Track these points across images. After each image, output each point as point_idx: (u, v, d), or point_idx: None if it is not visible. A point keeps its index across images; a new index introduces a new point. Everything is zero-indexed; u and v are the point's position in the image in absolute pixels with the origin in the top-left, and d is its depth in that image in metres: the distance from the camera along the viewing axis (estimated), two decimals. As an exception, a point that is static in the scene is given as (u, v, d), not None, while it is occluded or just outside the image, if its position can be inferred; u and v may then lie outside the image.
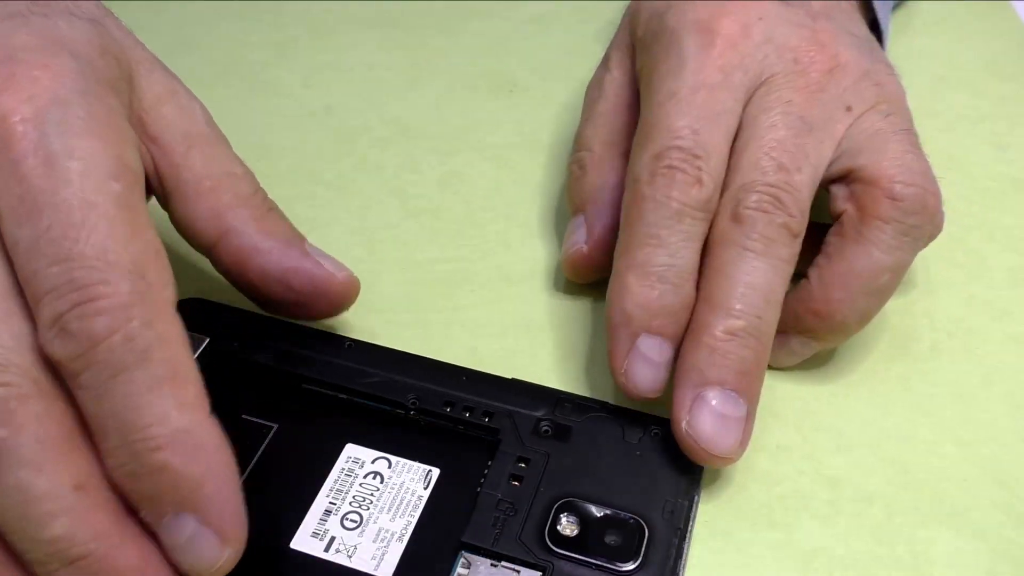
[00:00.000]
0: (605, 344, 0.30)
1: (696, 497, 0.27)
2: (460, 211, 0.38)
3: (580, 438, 0.28)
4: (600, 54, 0.48)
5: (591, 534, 0.26)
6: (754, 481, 0.29)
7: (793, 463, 0.29)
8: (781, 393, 0.31)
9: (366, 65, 0.45)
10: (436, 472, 0.28)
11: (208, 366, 0.28)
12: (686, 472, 0.27)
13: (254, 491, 0.26)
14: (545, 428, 0.29)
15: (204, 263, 0.30)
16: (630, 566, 0.25)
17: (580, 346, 0.33)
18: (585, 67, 0.45)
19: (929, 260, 0.36)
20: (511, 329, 0.33)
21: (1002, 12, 0.50)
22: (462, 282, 0.35)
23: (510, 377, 0.30)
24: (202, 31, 0.48)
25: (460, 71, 0.45)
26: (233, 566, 0.23)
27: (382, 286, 0.35)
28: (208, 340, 0.30)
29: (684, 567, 0.26)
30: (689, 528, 0.27)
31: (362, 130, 0.41)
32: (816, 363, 0.32)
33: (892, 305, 0.34)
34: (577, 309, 0.34)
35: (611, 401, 0.30)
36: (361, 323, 0.33)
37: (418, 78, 0.45)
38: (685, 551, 0.26)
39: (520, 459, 0.28)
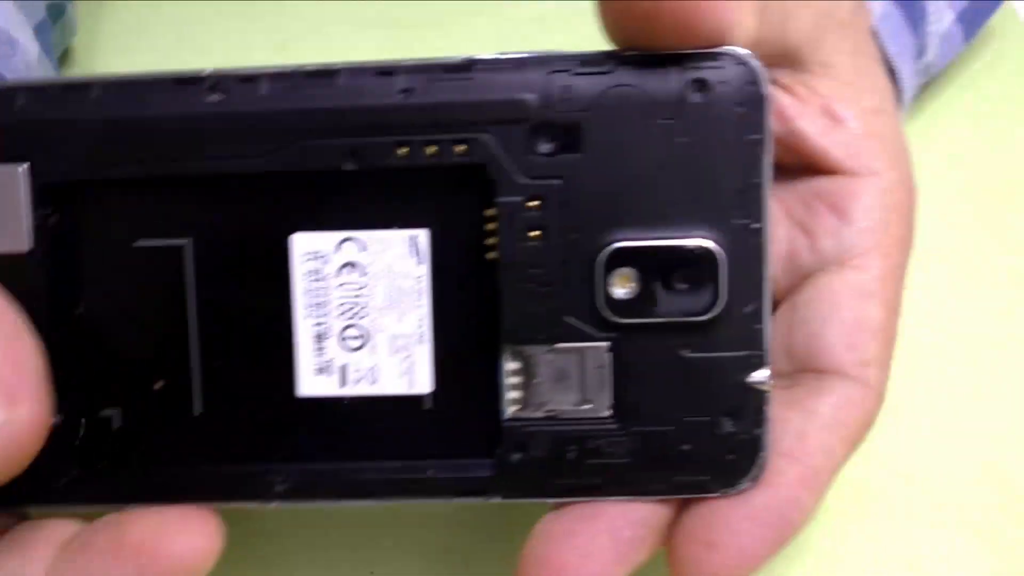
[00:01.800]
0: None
1: (767, 164, 0.21)
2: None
3: (596, 138, 0.21)
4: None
5: (654, 286, 0.21)
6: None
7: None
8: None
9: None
10: (424, 234, 0.22)
11: (51, 205, 0.21)
12: (745, 130, 0.21)
13: (214, 337, 0.21)
14: (545, 141, 0.21)
15: None
16: (714, 310, 0.21)
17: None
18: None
19: (929, 260, 0.36)
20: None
21: (1002, 12, 0.50)
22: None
23: (463, 58, 0.21)
24: (202, 31, 0.48)
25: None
26: (27, 433, 0.19)
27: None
28: (27, 166, 0.21)
29: (766, 277, 0.21)
30: (765, 219, 0.21)
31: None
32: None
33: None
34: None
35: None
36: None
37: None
38: (766, 254, 0.21)
39: (528, 201, 0.21)
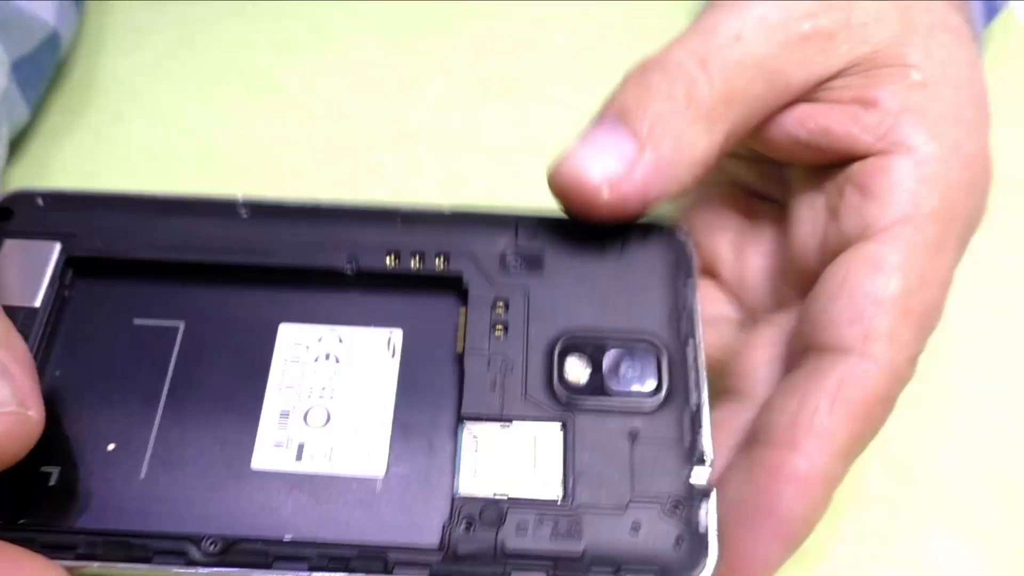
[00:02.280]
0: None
1: (696, 302, 0.24)
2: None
3: (555, 263, 0.24)
4: (603, 56, 0.48)
5: (603, 372, 0.23)
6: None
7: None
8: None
9: (367, 66, 0.45)
10: (399, 333, 0.24)
11: (71, 278, 0.23)
12: (680, 275, 0.25)
13: (182, 409, 0.22)
14: (513, 261, 0.25)
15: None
16: (658, 396, 0.23)
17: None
18: (587, 69, 0.45)
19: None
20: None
21: (1001, 14, 0.50)
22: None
23: (451, 210, 0.25)
24: (203, 32, 0.48)
25: (461, 73, 0.45)
26: (30, 432, 0.20)
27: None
28: (59, 246, 0.24)
29: (704, 383, 0.23)
30: (698, 336, 0.24)
31: (363, 131, 0.41)
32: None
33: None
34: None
35: None
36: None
37: (419, 79, 0.44)
38: (701, 362, 0.23)
39: (496, 303, 0.24)
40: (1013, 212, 0.38)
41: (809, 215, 0.25)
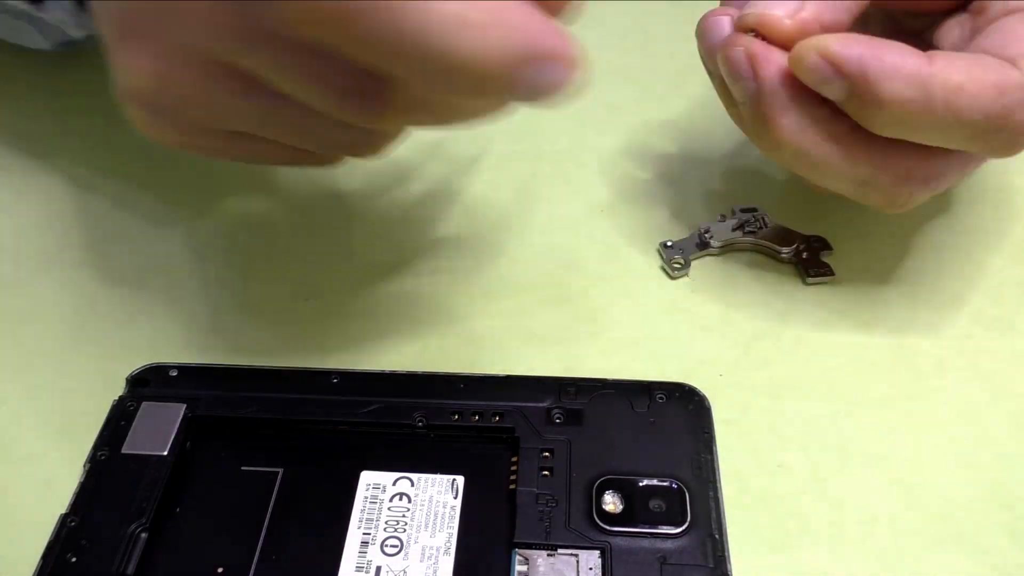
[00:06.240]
0: (607, 354, 0.31)
1: (715, 449, 0.29)
2: (459, 220, 0.37)
3: (593, 418, 0.30)
4: (603, 62, 0.48)
5: (636, 506, 0.27)
6: (755, 502, 0.29)
7: (796, 483, 0.29)
8: (783, 412, 0.31)
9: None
10: (461, 480, 0.29)
11: (193, 433, 0.29)
12: (700, 429, 0.29)
13: (279, 539, 0.27)
14: (557, 416, 0.30)
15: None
16: (682, 526, 0.27)
17: (581, 355, 0.33)
18: (590, 72, 0.44)
19: (937, 273, 0.35)
20: (510, 340, 0.33)
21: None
22: (460, 292, 0.34)
23: (505, 375, 0.31)
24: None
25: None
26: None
27: (380, 296, 0.35)
28: (185, 406, 0.30)
29: (724, 516, 0.28)
30: (718, 479, 0.28)
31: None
32: (820, 381, 0.32)
33: (898, 321, 0.33)
34: (579, 319, 0.34)
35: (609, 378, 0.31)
36: (358, 334, 0.33)
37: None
38: (721, 501, 0.28)
39: (543, 451, 0.29)
40: (1023, 224, 0.37)
41: (952, 35, 0.33)
